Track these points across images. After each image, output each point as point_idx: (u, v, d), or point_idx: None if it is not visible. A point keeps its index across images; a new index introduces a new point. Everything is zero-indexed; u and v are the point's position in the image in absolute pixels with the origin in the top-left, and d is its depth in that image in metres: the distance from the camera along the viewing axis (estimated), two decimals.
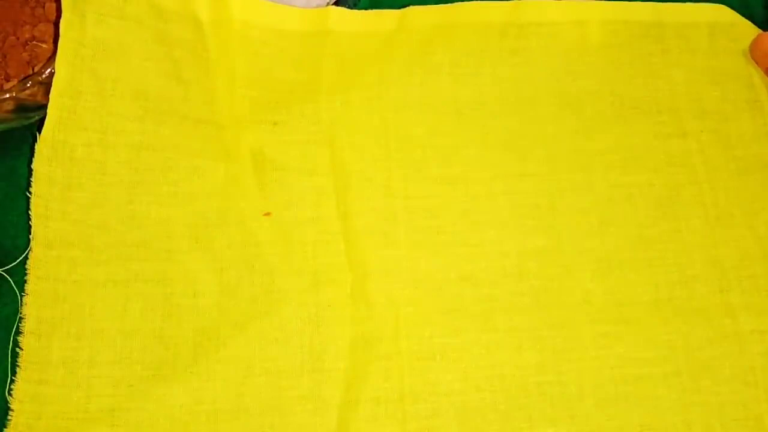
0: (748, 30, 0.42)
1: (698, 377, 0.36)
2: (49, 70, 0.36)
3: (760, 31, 0.42)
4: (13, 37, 0.37)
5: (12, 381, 0.33)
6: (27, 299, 0.34)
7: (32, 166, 0.35)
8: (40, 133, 0.35)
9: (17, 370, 0.33)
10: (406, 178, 0.38)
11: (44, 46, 0.37)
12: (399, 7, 0.41)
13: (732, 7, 0.43)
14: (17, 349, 0.33)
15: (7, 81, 0.36)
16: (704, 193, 0.39)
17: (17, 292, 0.35)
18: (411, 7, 0.41)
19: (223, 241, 0.36)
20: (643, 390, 0.35)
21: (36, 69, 0.36)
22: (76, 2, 0.36)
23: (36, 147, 0.35)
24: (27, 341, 0.33)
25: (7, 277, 0.36)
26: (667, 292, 0.37)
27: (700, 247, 0.38)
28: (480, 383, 0.35)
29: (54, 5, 0.37)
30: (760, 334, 0.36)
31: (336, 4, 0.41)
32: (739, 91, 0.41)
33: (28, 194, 0.35)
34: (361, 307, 0.36)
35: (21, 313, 0.34)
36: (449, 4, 0.41)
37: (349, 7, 0.41)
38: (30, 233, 0.34)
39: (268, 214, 0.37)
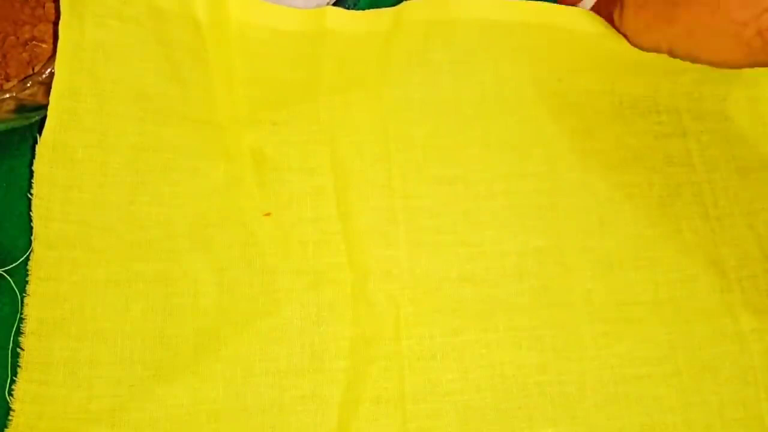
0: None
1: (698, 377, 0.36)
2: (49, 70, 0.36)
3: None
4: (13, 37, 0.37)
5: (12, 381, 0.33)
6: (28, 300, 0.34)
7: (33, 168, 0.35)
8: (40, 134, 0.35)
9: (18, 370, 0.33)
10: (406, 178, 0.38)
11: (44, 46, 0.37)
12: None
13: None
14: (18, 350, 0.33)
15: (7, 81, 0.36)
16: (704, 192, 0.39)
17: (17, 292, 0.35)
18: (406, 2, 0.40)
19: (224, 241, 0.36)
20: (644, 390, 0.35)
21: (36, 69, 0.36)
22: (75, 4, 0.36)
23: (37, 149, 0.35)
24: (28, 341, 0.33)
25: (7, 277, 0.36)
26: (667, 292, 0.37)
27: (700, 247, 0.38)
28: (480, 383, 0.35)
29: (54, 5, 0.37)
30: (760, 333, 0.37)
31: (336, 4, 0.41)
32: (740, 89, 0.41)
33: (29, 195, 0.35)
34: (361, 307, 0.36)
35: (21, 314, 0.34)
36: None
37: (349, 8, 0.41)
38: (30, 234, 0.35)
39: (268, 214, 0.37)
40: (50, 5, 0.37)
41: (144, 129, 0.37)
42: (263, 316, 0.35)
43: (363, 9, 0.41)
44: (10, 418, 0.32)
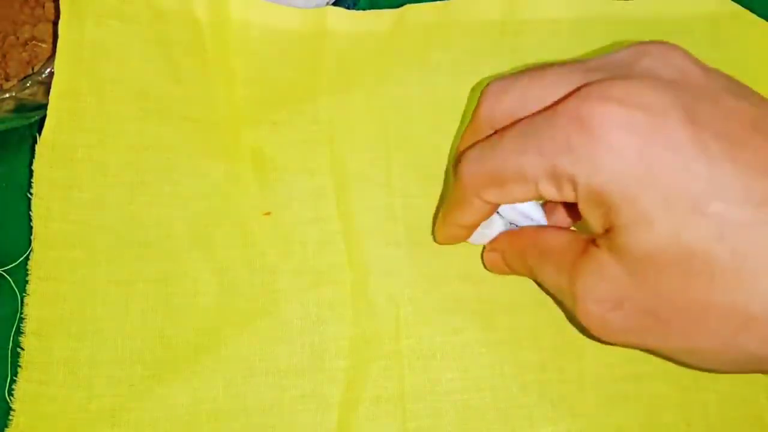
0: (749, 19, 0.42)
1: (698, 375, 0.35)
2: (48, 69, 0.36)
3: (762, 20, 0.42)
4: (13, 37, 0.37)
5: (12, 381, 0.33)
6: (28, 300, 0.34)
7: (33, 168, 0.35)
8: (40, 133, 0.35)
9: (18, 370, 0.33)
10: (406, 177, 0.38)
11: (44, 45, 0.37)
12: (397, 8, 0.41)
13: None
14: (18, 349, 0.33)
15: (7, 81, 0.36)
16: None
17: (17, 292, 0.35)
18: (408, 5, 0.41)
19: (224, 241, 0.36)
20: (643, 388, 0.35)
21: (36, 69, 0.36)
22: (75, 4, 0.36)
23: (36, 149, 0.35)
24: (28, 341, 0.33)
25: (7, 277, 0.36)
26: None
27: None
28: (480, 382, 0.35)
29: (54, 5, 0.37)
30: None
31: (335, 4, 0.41)
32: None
33: (28, 195, 0.35)
34: (361, 307, 0.36)
35: (21, 314, 0.34)
36: (447, 1, 0.41)
37: (348, 7, 0.41)
38: (30, 234, 0.35)
39: (268, 213, 0.37)
40: (50, 5, 0.37)
41: (144, 129, 0.37)
42: (263, 316, 0.35)
43: (363, 9, 0.41)
44: (10, 418, 0.32)
